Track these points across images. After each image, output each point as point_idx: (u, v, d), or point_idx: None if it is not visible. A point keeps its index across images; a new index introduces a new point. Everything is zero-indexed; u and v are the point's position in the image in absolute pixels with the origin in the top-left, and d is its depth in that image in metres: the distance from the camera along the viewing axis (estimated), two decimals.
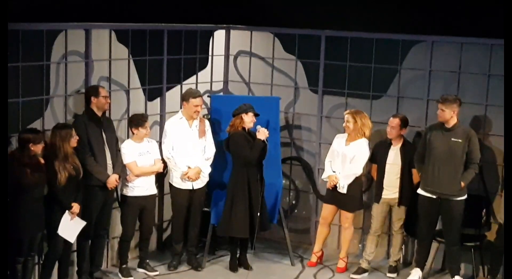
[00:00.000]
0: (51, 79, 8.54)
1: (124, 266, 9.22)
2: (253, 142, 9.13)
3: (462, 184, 8.81)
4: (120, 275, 9.20)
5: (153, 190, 9.21)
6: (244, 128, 9.21)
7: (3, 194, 6.92)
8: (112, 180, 8.67)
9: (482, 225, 9.34)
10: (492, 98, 9.28)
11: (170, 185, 9.46)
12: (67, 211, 8.17)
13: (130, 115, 9.32)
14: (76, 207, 8.23)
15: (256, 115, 9.23)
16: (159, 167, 9.16)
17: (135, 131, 8.99)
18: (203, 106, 9.86)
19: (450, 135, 8.82)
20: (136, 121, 8.98)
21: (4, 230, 6.89)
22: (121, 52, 9.36)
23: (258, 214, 9.15)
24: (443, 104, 8.77)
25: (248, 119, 9.17)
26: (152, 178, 9.16)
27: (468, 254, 9.22)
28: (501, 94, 9.06)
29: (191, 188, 9.34)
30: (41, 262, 8.42)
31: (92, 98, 8.61)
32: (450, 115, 8.78)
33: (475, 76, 9.37)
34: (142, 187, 9.03)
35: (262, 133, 9.13)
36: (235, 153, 9.23)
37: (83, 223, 8.33)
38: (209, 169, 9.39)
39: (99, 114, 8.67)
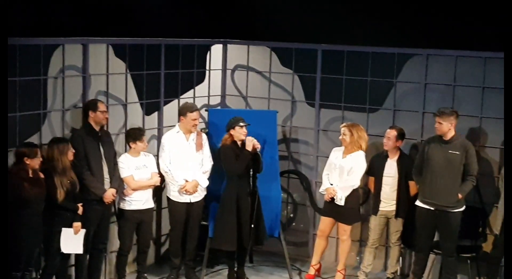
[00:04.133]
0: (49, 93, 8.59)
1: None
2: (241, 154, 9.15)
3: (460, 196, 8.85)
4: None
5: (151, 204, 9.25)
6: (235, 142, 9.25)
7: (3, 209, 6.93)
8: (109, 194, 8.70)
9: (478, 236, 9.37)
10: (487, 110, 9.33)
11: (168, 198, 9.49)
12: (63, 229, 8.20)
13: (127, 129, 9.37)
14: (77, 225, 8.30)
15: (245, 126, 9.25)
16: (156, 180, 9.19)
17: (132, 145, 9.03)
18: (201, 120, 9.91)
19: (447, 148, 8.87)
20: (134, 135, 9.02)
21: (3, 245, 6.91)
22: (119, 67, 9.42)
23: (252, 226, 9.17)
24: (440, 117, 8.83)
25: (237, 133, 9.21)
26: (150, 191, 9.19)
27: (464, 265, 9.24)
28: (496, 106, 9.18)
29: (189, 201, 9.37)
30: (39, 276, 8.42)
31: (90, 112, 8.65)
32: (447, 127, 8.83)
33: (470, 88, 9.42)
34: (139, 200, 9.06)
35: (249, 144, 9.15)
36: (223, 166, 9.29)
37: (83, 231, 8.37)
38: (206, 182, 9.42)
39: (97, 128, 8.70)
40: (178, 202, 9.39)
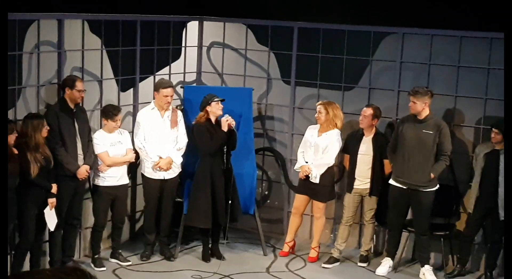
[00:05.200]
0: (24, 69, 8.53)
1: (96, 256, 9.25)
2: (215, 133, 9.16)
3: (432, 175, 8.91)
4: (92, 265, 9.21)
5: (125, 180, 9.24)
6: (209, 120, 9.24)
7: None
8: (82, 170, 8.67)
9: (451, 214, 9.46)
10: (461, 89, 9.38)
11: (142, 175, 9.50)
12: (45, 211, 8.20)
13: (103, 106, 9.34)
14: (52, 201, 8.30)
15: (221, 101, 9.25)
16: (131, 157, 9.17)
17: (104, 122, 9.01)
18: (176, 96, 9.88)
19: (421, 127, 8.92)
20: (107, 113, 8.98)
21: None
22: (94, 43, 9.36)
23: (230, 202, 9.21)
24: (414, 96, 8.86)
25: (214, 109, 9.21)
26: (124, 168, 9.18)
27: (438, 244, 9.33)
28: (470, 85, 9.27)
29: (163, 178, 9.37)
30: (13, 252, 8.42)
31: (67, 89, 8.59)
32: (421, 107, 8.87)
33: (445, 67, 9.47)
34: (114, 177, 9.05)
35: (224, 124, 9.16)
36: (197, 144, 9.30)
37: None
38: (180, 159, 9.43)
39: (72, 105, 8.65)
40: (152, 178, 9.41)
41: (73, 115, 8.65)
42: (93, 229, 9.26)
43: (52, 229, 8.35)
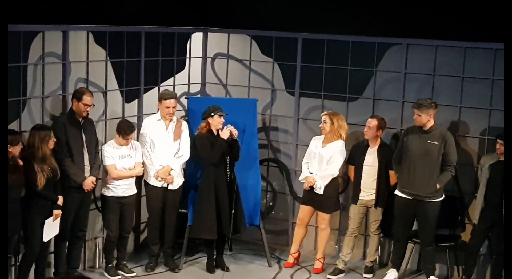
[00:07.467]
0: (28, 80, 8.53)
1: (110, 265, 9.28)
2: (216, 142, 9.16)
3: (438, 186, 8.89)
4: (106, 274, 9.25)
5: (133, 191, 9.21)
6: (211, 131, 9.24)
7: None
8: (88, 182, 8.67)
9: (457, 225, 9.44)
10: (465, 100, 9.38)
11: (145, 183, 9.48)
12: (46, 221, 8.19)
13: (107, 117, 9.42)
14: (58, 213, 8.30)
15: (222, 115, 9.25)
16: (139, 171, 9.16)
17: (116, 136, 9.00)
18: (181, 107, 9.87)
19: (426, 138, 8.91)
20: (120, 130, 8.95)
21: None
22: (99, 54, 9.38)
23: (233, 213, 9.19)
24: (418, 109, 8.86)
25: (215, 122, 9.21)
26: (132, 179, 9.16)
27: (443, 255, 9.32)
28: (475, 96, 9.26)
29: (165, 186, 9.37)
30: (18, 263, 8.41)
31: (74, 100, 8.61)
32: (426, 119, 8.88)
33: (449, 78, 9.47)
34: (121, 187, 9.04)
35: (226, 132, 9.17)
36: (199, 155, 9.30)
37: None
38: (179, 167, 9.41)
39: (79, 116, 8.66)
40: (154, 187, 9.40)
41: (80, 127, 8.66)
42: (106, 240, 9.28)
43: (45, 240, 8.31)
